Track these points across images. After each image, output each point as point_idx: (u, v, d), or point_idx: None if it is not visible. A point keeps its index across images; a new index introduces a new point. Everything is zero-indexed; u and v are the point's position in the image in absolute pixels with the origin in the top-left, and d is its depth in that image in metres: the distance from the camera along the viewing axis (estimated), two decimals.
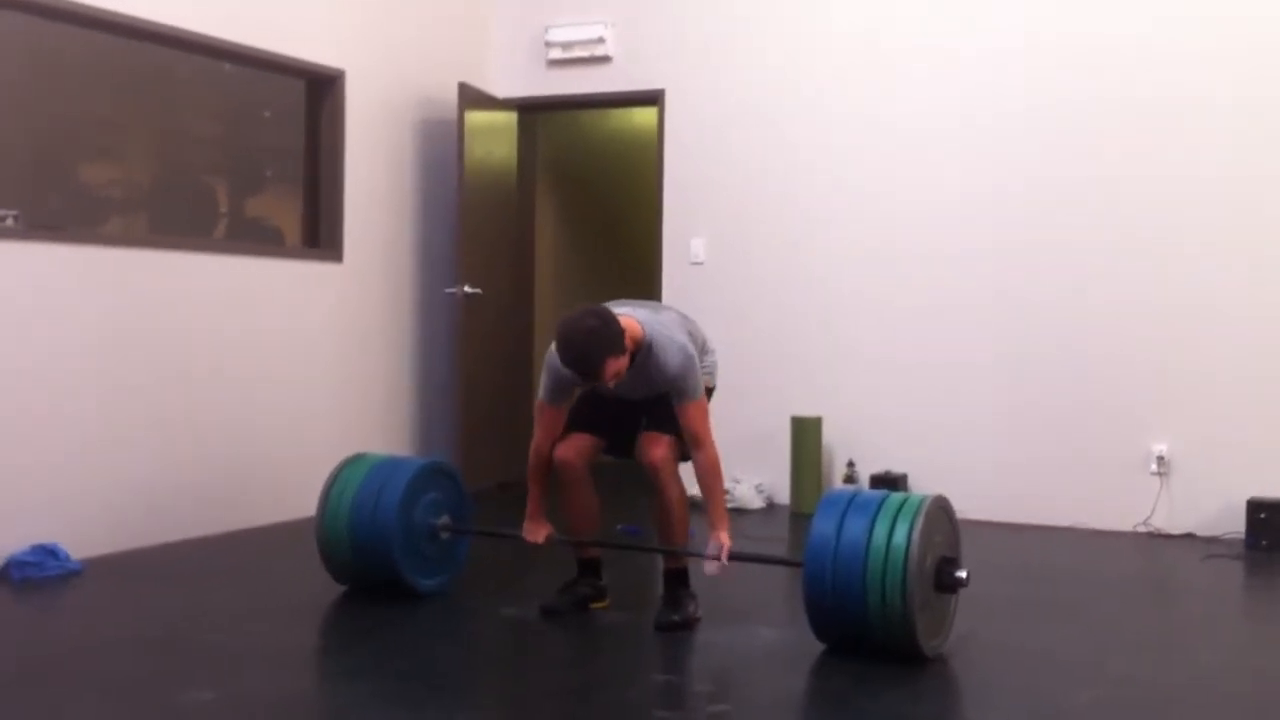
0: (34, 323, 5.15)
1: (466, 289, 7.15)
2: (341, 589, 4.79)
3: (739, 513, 6.78)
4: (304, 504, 6.30)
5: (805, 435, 6.85)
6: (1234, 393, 6.22)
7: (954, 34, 6.79)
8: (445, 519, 4.75)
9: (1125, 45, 6.42)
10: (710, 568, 4.29)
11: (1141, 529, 6.32)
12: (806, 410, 6.93)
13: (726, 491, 6.77)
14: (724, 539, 4.26)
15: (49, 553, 5.00)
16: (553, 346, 4.19)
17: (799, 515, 6.73)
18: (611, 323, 4.10)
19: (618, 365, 4.10)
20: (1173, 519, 6.31)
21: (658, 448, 4.32)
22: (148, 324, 5.61)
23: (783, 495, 7.02)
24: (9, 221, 5.03)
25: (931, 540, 3.90)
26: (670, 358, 4.21)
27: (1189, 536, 6.23)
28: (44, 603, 4.68)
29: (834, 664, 3.94)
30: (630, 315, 4.26)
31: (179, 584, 5.01)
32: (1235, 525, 6.09)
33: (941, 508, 4.03)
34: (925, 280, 6.83)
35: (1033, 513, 6.53)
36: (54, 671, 3.81)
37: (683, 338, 4.28)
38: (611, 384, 4.16)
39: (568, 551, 4.69)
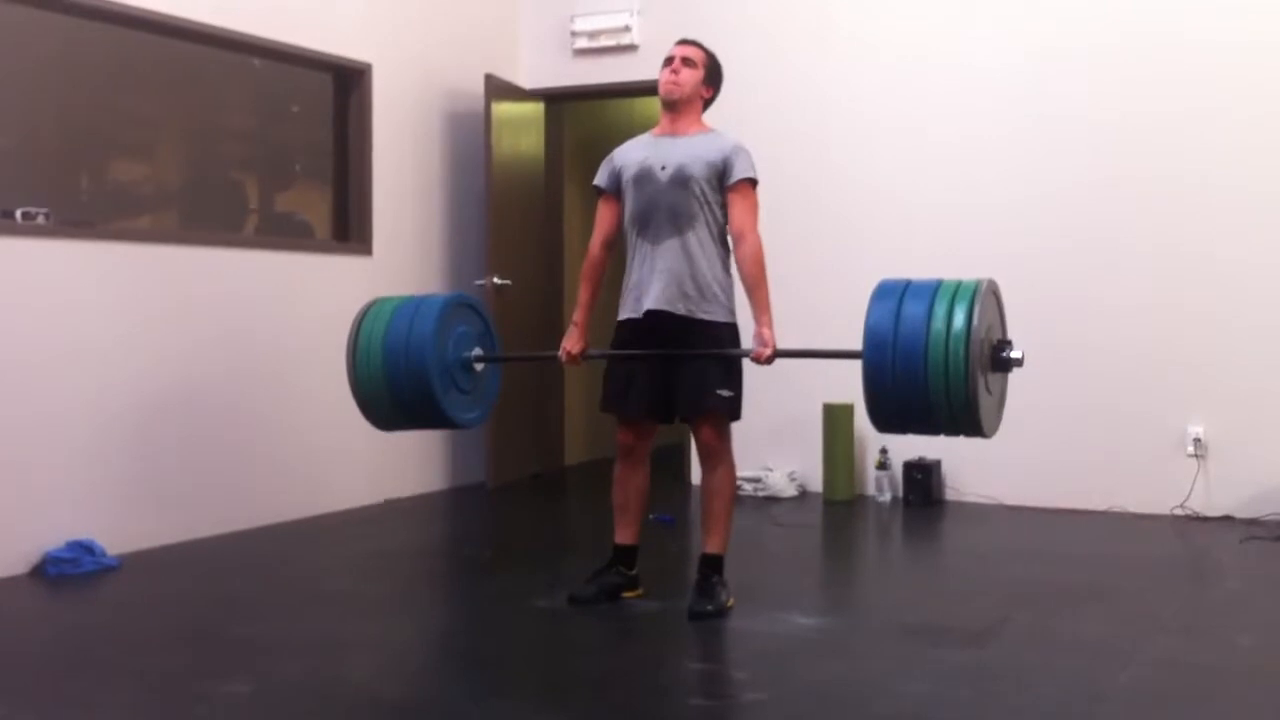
0: (67, 320, 5.18)
1: (496, 280, 7.16)
2: (374, 582, 4.80)
3: (771, 500, 6.78)
4: (338, 498, 6.35)
5: (837, 423, 6.82)
6: (1271, 373, 6.14)
7: (992, 26, 6.72)
8: (477, 350, 4.62)
9: (1175, 41, 6.34)
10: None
11: (1179, 512, 6.27)
12: (838, 398, 6.89)
13: (760, 476, 6.83)
14: (766, 335, 4.27)
15: (85, 549, 5.03)
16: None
17: (831, 502, 6.71)
18: (719, 72, 4.62)
19: (696, 75, 4.49)
20: (1210, 501, 6.25)
21: (706, 425, 4.37)
22: (179, 320, 5.64)
23: (815, 483, 6.99)
24: (40, 219, 5.06)
25: (987, 322, 3.88)
26: (731, 137, 4.53)
27: (1227, 519, 6.17)
28: (81, 599, 4.71)
29: (870, 651, 3.93)
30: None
31: (215, 578, 5.04)
32: (1274, 507, 6.03)
33: (993, 291, 4.02)
34: (957, 265, 6.73)
35: (1068, 497, 6.48)
36: (92, 666, 3.83)
37: None
38: (681, 78, 4.46)
39: (604, 538, 4.67)
